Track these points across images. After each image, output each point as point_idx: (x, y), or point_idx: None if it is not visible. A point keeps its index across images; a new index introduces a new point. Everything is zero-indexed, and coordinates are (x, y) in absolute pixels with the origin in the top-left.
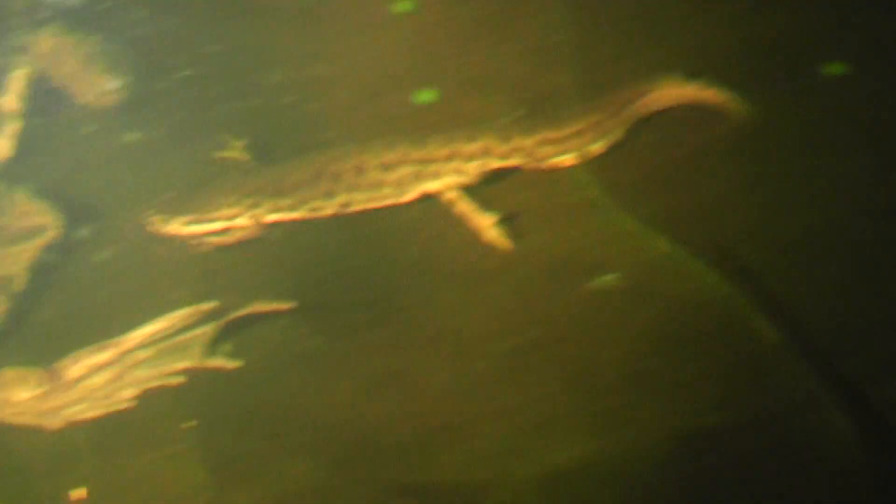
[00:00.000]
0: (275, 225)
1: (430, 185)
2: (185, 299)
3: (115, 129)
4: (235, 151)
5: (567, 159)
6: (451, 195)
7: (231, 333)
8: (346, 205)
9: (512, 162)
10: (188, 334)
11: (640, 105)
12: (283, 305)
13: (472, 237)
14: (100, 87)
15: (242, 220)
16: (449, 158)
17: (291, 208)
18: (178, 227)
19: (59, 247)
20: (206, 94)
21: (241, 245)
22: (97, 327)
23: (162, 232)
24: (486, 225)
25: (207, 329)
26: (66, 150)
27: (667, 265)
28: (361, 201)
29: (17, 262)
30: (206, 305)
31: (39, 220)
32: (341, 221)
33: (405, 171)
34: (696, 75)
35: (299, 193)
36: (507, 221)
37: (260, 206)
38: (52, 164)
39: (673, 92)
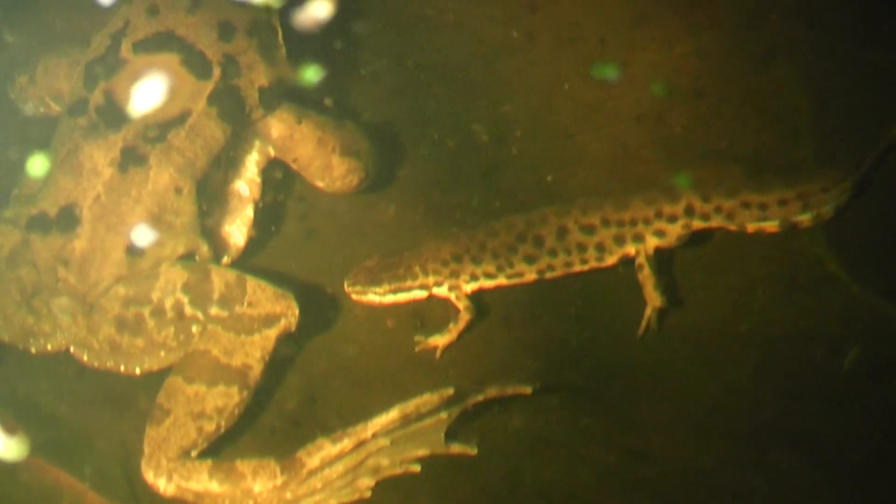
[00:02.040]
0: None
1: (632, 248)
2: (423, 386)
3: (351, 213)
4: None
5: (770, 226)
6: (641, 260)
7: (469, 419)
8: (547, 270)
9: (713, 223)
10: (426, 421)
11: (853, 184)
12: (521, 389)
13: (705, 312)
14: (337, 170)
15: (441, 290)
16: (651, 219)
17: (490, 276)
18: (375, 297)
19: (294, 335)
20: (447, 172)
21: (471, 329)
22: (334, 415)
23: (361, 302)
24: (650, 303)
25: (445, 415)
26: (300, 235)
27: None
28: (563, 266)
29: (252, 352)
30: (444, 392)
31: (274, 309)
32: (568, 298)
33: (607, 233)
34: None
35: (500, 259)
36: (666, 311)
37: (459, 275)
38: (286, 251)
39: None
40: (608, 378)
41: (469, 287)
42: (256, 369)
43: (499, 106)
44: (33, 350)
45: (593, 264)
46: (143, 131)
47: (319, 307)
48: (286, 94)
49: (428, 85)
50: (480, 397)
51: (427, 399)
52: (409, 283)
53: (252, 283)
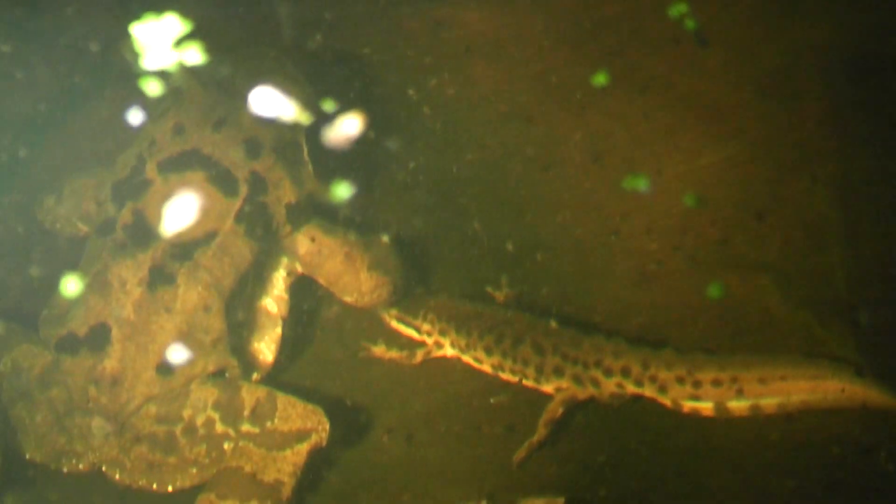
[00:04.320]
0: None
1: (567, 384)
2: (453, 498)
3: (378, 326)
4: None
5: (705, 408)
6: (561, 395)
7: None
8: (497, 368)
9: (647, 392)
10: None
11: (794, 387)
12: (554, 501)
13: (744, 425)
14: (365, 284)
15: (428, 339)
16: (591, 367)
17: (462, 350)
18: (389, 318)
19: (325, 449)
20: (474, 284)
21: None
22: None
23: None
24: (536, 434)
25: None
26: (329, 351)
27: None
28: (507, 370)
29: (283, 467)
30: (477, 503)
31: (304, 424)
32: (598, 412)
33: (551, 361)
34: (864, 372)
35: (472, 339)
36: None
37: (445, 335)
38: (314, 367)
39: (835, 389)
40: (639, 491)
41: (448, 351)
42: (288, 484)
43: (526, 218)
44: (65, 469)
45: (532, 383)
46: (170, 250)
47: (350, 421)
48: (313, 210)
49: (456, 198)
50: None
51: None
52: (411, 320)
53: (282, 398)
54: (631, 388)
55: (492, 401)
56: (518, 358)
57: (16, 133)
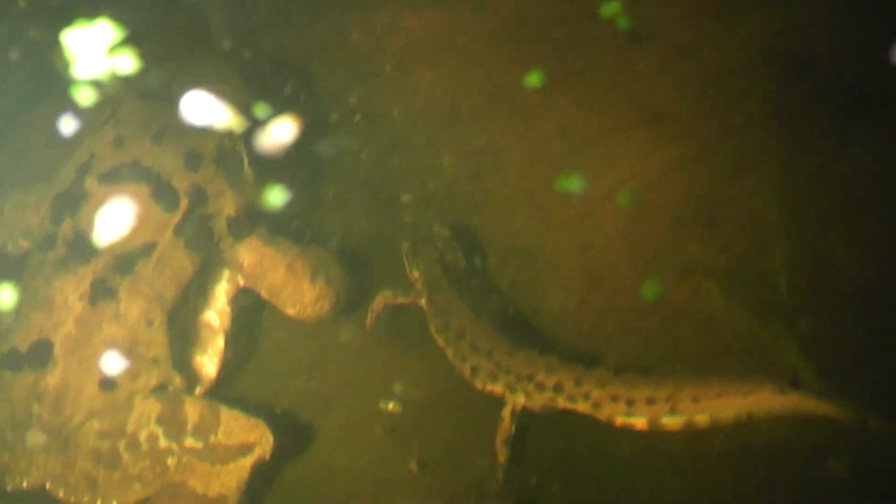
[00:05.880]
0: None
1: (501, 390)
2: None
3: (324, 339)
4: None
5: (638, 423)
6: (504, 413)
7: None
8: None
9: (579, 407)
10: None
11: (727, 403)
12: None
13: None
14: (307, 296)
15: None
16: (523, 379)
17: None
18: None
19: (269, 464)
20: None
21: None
22: None
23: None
24: (498, 455)
25: None
26: (272, 364)
27: None
28: (451, 362)
29: (227, 481)
30: None
31: (248, 438)
32: (539, 425)
33: (487, 365)
34: (798, 383)
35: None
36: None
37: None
38: (258, 380)
39: (769, 399)
40: (587, 496)
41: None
42: (232, 499)
43: (469, 224)
44: (9, 488)
45: (468, 378)
46: (112, 262)
47: (295, 433)
48: (254, 221)
49: (397, 206)
50: None
51: None
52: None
53: (225, 412)
54: (564, 404)
55: (380, 406)
56: (457, 352)
57: None
